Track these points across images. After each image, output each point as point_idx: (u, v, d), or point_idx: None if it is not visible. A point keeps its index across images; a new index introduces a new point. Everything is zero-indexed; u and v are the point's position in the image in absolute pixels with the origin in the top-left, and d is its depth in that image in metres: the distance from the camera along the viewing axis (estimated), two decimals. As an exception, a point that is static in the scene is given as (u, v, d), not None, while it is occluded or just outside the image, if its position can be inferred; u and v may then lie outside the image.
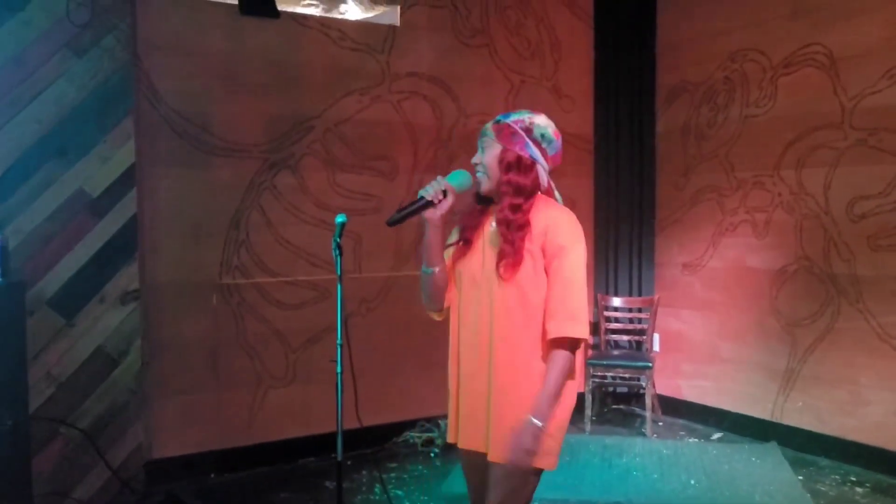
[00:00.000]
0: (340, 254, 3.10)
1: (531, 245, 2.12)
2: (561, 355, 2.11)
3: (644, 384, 5.38)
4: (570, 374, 2.15)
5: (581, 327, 2.12)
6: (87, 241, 4.02)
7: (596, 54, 6.03)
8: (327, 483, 4.39)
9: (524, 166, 2.16)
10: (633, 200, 5.99)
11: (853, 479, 4.46)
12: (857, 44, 4.60)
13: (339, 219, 3.16)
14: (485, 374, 2.18)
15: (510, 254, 2.10)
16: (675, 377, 5.80)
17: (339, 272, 3.10)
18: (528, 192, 2.16)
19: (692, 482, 4.38)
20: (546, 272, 2.14)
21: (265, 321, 4.70)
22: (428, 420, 5.19)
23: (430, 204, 2.14)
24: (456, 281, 2.30)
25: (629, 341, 5.86)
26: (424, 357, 5.27)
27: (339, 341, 3.01)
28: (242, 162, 4.60)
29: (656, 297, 5.71)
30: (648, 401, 5.35)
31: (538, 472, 2.18)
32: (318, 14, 4.87)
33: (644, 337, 5.68)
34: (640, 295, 5.90)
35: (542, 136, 2.22)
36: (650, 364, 5.32)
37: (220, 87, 4.52)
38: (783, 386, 5.05)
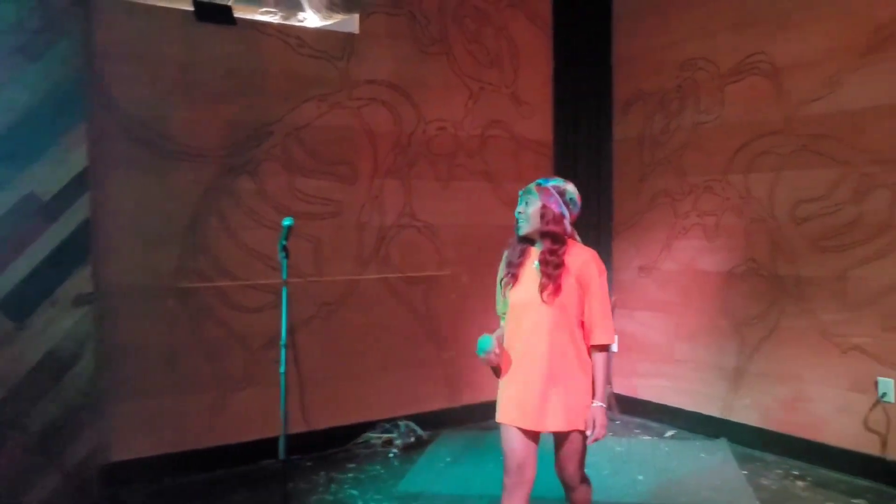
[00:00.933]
0: (287, 256, 3.19)
1: (568, 278, 2.88)
2: (604, 356, 2.96)
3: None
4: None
5: (613, 335, 3.01)
6: (38, 244, 4.03)
7: (555, 63, 6.16)
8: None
9: (557, 219, 2.92)
10: (591, 205, 6.09)
11: (796, 473, 4.59)
12: (798, 53, 4.77)
13: (286, 222, 3.26)
14: (540, 372, 2.88)
15: (550, 285, 2.86)
16: (632, 377, 5.93)
17: (284, 275, 3.20)
18: (562, 240, 2.92)
19: (641, 478, 4.50)
20: (584, 297, 2.91)
21: (224, 324, 4.76)
22: (388, 421, 5.27)
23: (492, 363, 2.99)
24: (509, 306, 3.01)
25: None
26: (384, 359, 5.36)
27: (283, 341, 3.09)
28: (200, 167, 4.66)
29: (613, 299, 5.83)
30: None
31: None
32: (276, 21, 4.95)
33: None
34: (597, 297, 6.01)
35: (571, 199, 3.00)
36: (605, 365, 5.42)
37: (177, 94, 4.59)
38: (732, 384, 5.19)
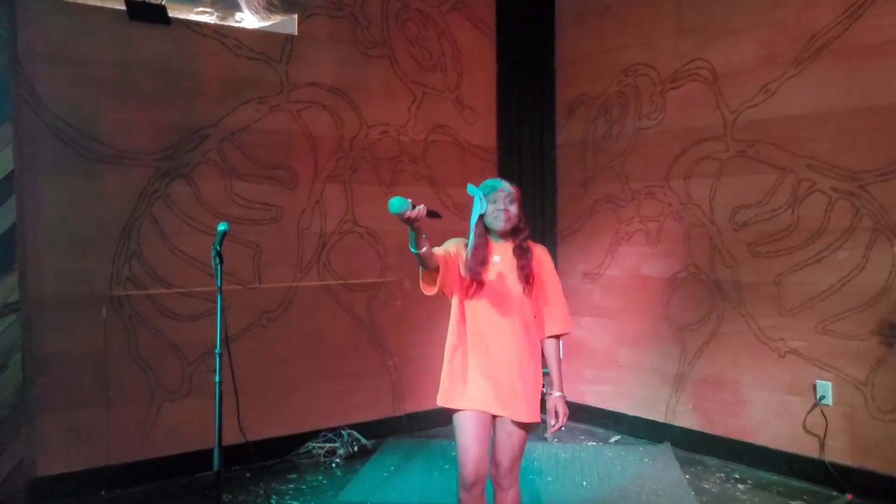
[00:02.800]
0: (221, 262, 3.10)
1: (535, 267, 3.03)
2: (558, 345, 3.16)
3: (545, 390, 5.46)
4: None
5: (573, 323, 3.24)
6: (-41, 251, 3.87)
7: (498, 68, 6.15)
8: (224, 496, 4.32)
9: (524, 218, 3.10)
10: (535, 211, 6.11)
11: (737, 476, 4.64)
12: (736, 60, 4.83)
13: (221, 227, 3.17)
14: (507, 361, 2.96)
15: (527, 276, 2.98)
16: (577, 383, 5.93)
17: (219, 282, 3.10)
18: (528, 237, 3.11)
19: (585, 483, 4.50)
20: (541, 289, 3.07)
21: (159, 333, 4.62)
22: (330, 430, 5.17)
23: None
24: (477, 300, 3.01)
25: (532, 349, 5.96)
26: (326, 368, 5.27)
27: (217, 350, 2.99)
28: (133, 170, 4.52)
29: (557, 304, 5.82)
30: (550, 406, 5.43)
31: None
32: (212, 22, 4.83)
33: (546, 344, 5.79)
34: (542, 303, 6.00)
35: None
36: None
37: (109, 95, 4.44)
38: (675, 389, 5.22)
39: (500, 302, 2.99)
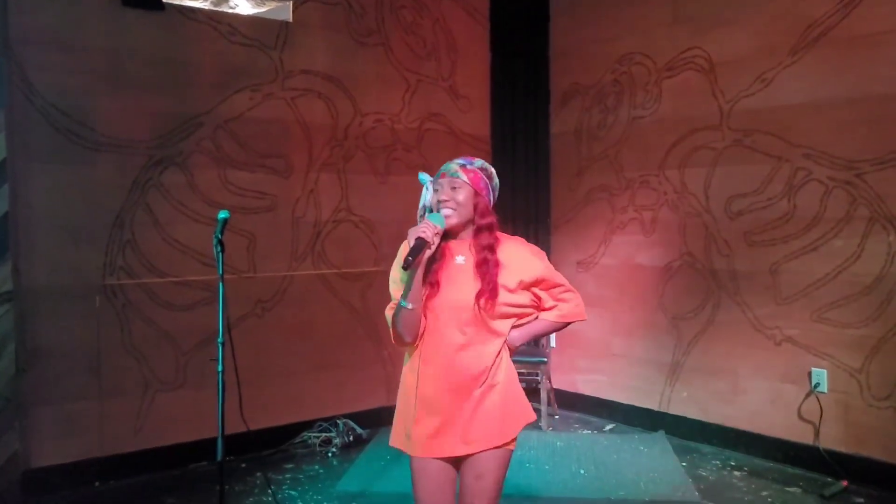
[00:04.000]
0: (222, 250, 3.07)
1: (502, 275, 2.41)
2: (554, 324, 2.62)
3: (540, 379, 5.49)
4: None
5: (583, 311, 2.67)
6: (-48, 239, 3.81)
7: (492, 56, 6.12)
8: (218, 487, 4.29)
9: (490, 210, 2.47)
10: (529, 200, 6.11)
11: (733, 463, 4.67)
12: (732, 50, 4.83)
13: (222, 214, 3.14)
14: (470, 388, 2.41)
15: (487, 292, 2.37)
16: (571, 372, 5.94)
17: (220, 270, 3.07)
18: (495, 231, 2.46)
19: (581, 472, 4.50)
20: (530, 288, 2.48)
21: (153, 323, 4.57)
22: (326, 420, 5.15)
23: (426, 245, 2.33)
24: (429, 313, 2.44)
25: (527, 338, 5.96)
26: (322, 357, 5.25)
27: (220, 339, 2.97)
28: (126, 159, 4.46)
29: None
30: (544, 395, 5.46)
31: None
32: (206, 8, 4.78)
33: (540, 333, 5.79)
34: (536, 292, 6.00)
35: (496, 185, 2.55)
36: (545, 359, 5.43)
37: (102, 82, 4.38)
38: (670, 378, 5.24)
39: (457, 317, 2.41)
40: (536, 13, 6.03)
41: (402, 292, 2.40)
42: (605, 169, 5.67)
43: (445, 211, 2.42)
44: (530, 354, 5.58)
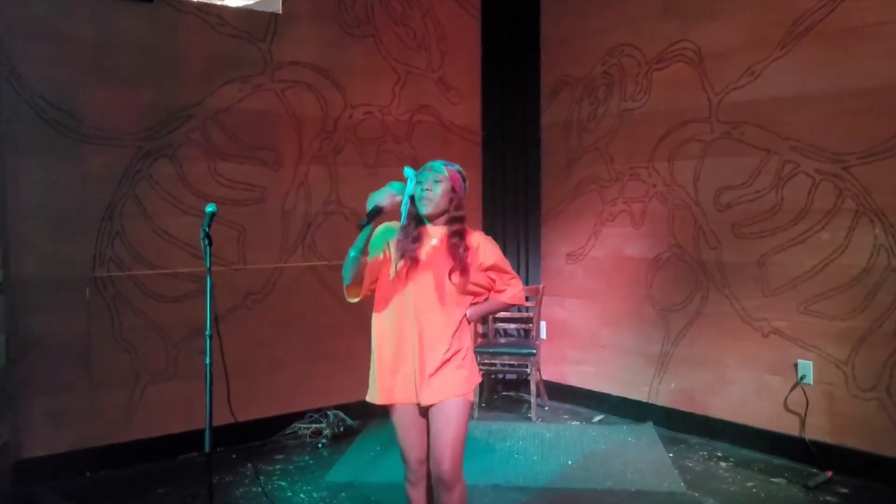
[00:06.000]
0: (210, 244, 3.08)
1: (469, 260, 2.90)
2: (501, 304, 3.13)
3: (529, 370, 5.52)
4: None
5: (523, 296, 3.21)
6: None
7: (483, 48, 6.13)
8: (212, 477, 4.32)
9: (462, 204, 2.94)
10: (519, 192, 6.13)
11: (719, 454, 4.70)
12: (722, 42, 4.84)
13: (209, 208, 3.15)
14: (435, 348, 2.87)
15: (459, 269, 2.86)
16: (560, 363, 5.97)
17: (208, 263, 3.08)
18: (465, 221, 2.94)
19: (569, 462, 4.54)
20: (486, 271, 2.98)
21: (143, 315, 4.59)
22: (316, 411, 5.17)
23: (381, 212, 2.80)
24: (400, 282, 2.89)
25: (517, 329, 6.00)
26: (312, 349, 5.27)
27: (207, 332, 2.98)
28: (115, 151, 4.46)
29: (541, 286, 5.86)
30: (533, 386, 5.50)
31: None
32: None
33: (531, 325, 5.82)
34: (526, 284, 6.03)
35: (467, 187, 2.99)
36: (534, 351, 5.46)
37: (91, 74, 4.37)
38: (658, 369, 5.28)
39: (427, 287, 2.86)
40: (527, 4, 6.03)
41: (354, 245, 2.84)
42: (594, 161, 5.69)
43: (425, 195, 2.87)
44: (518, 346, 5.62)
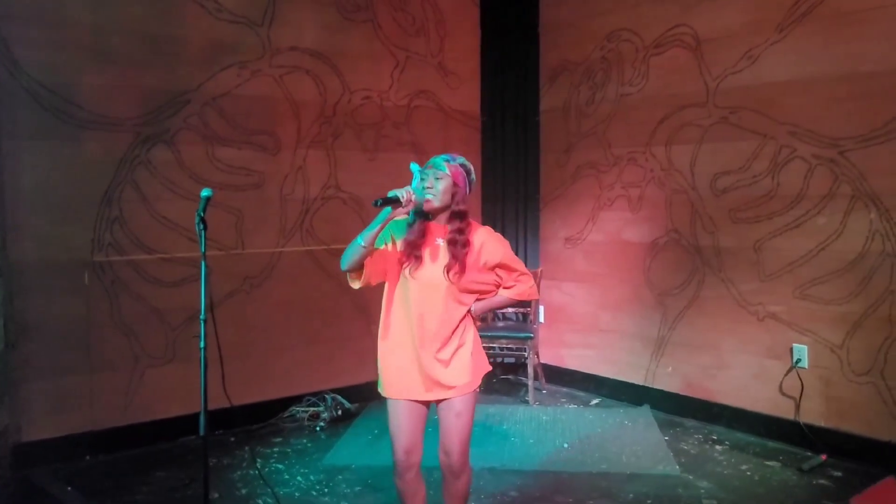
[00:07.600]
0: (205, 228, 3.09)
1: (471, 257, 2.91)
2: (510, 300, 3.09)
3: (527, 354, 5.55)
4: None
5: (536, 292, 3.14)
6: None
7: (482, 32, 6.11)
8: (209, 460, 4.35)
9: (466, 199, 2.94)
10: (519, 177, 6.14)
11: (715, 437, 4.73)
12: (720, 26, 4.83)
13: (205, 193, 3.15)
14: (438, 345, 2.91)
15: (456, 265, 2.86)
16: (559, 347, 6.00)
17: (203, 248, 3.09)
18: (467, 217, 2.93)
19: (566, 445, 4.58)
20: (494, 271, 2.97)
21: (142, 299, 4.61)
22: (314, 395, 5.21)
23: (398, 203, 2.77)
24: (404, 280, 2.93)
25: (516, 313, 6.02)
26: (310, 333, 5.30)
27: (202, 317, 3.00)
28: (113, 136, 4.47)
29: (540, 269, 5.87)
30: (530, 369, 5.53)
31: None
32: (192, -15, 4.76)
33: (529, 309, 5.84)
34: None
35: (473, 180, 3.00)
36: (531, 334, 5.48)
37: (88, 59, 4.38)
38: (655, 352, 5.30)
39: (432, 289, 2.88)
40: (526, -12, 6.02)
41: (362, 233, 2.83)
42: (593, 146, 5.69)
43: (427, 195, 2.88)
44: (518, 330, 5.64)
